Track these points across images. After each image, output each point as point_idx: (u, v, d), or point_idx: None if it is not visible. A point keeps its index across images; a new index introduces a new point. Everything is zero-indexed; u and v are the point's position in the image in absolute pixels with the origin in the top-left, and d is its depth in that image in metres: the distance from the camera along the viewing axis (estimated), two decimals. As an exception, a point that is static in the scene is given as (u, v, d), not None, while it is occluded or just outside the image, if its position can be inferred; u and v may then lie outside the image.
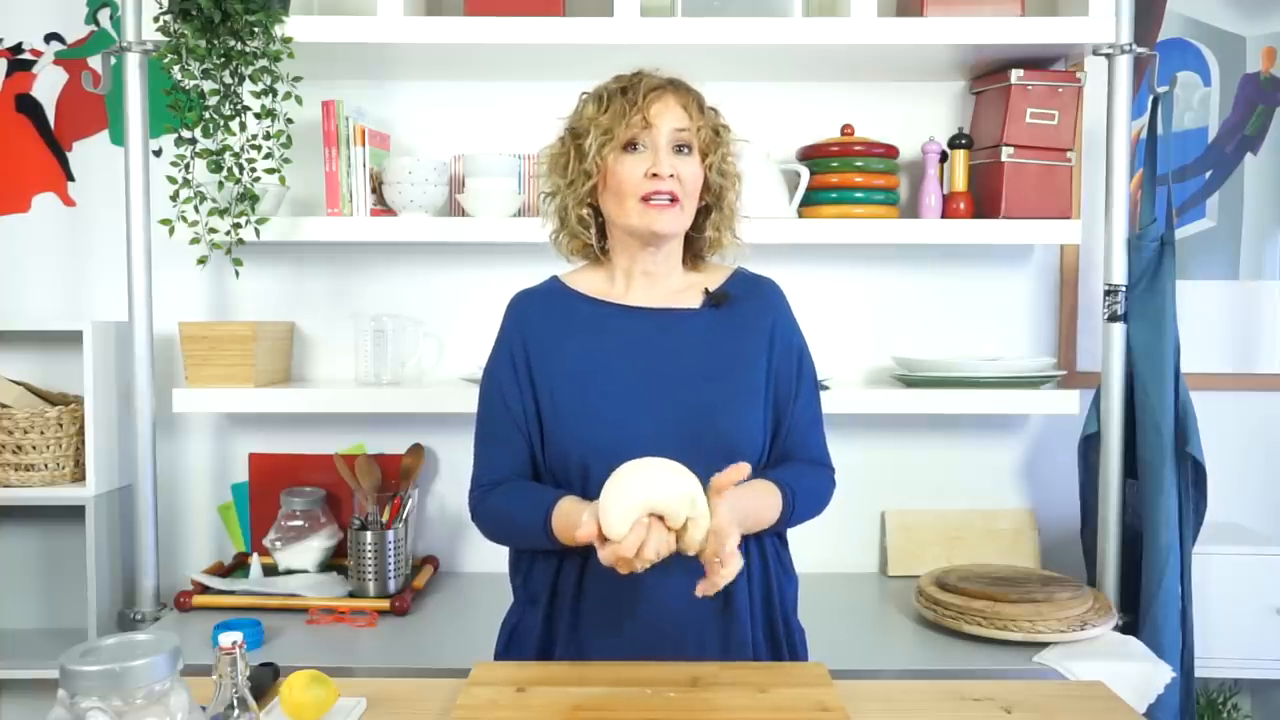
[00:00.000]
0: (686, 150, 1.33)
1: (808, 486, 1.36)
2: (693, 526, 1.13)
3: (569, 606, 1.33)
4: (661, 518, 1.13)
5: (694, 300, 1.39)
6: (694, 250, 1.43)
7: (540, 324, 1.38)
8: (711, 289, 1.39)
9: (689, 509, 1.13)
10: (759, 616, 1.35)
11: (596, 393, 1.32)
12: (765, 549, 1.36)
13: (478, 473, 1.39)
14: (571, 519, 1.20)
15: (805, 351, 1.43)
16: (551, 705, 1.15)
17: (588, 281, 1.41)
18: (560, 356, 1.35)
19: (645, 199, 1.30)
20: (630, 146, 1.32)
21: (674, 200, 1.31)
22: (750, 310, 1.39)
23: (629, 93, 1.32)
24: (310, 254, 2.23)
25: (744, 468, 1.16)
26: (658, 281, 1.39)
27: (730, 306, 1.38)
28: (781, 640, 1.37)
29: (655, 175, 1.30)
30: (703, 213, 1.39)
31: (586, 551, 1.29)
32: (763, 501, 1.29)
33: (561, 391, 1.33)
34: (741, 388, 1.34)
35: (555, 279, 1.44)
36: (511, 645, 1.41)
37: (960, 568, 2.00)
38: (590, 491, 1.28)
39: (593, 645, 1.32)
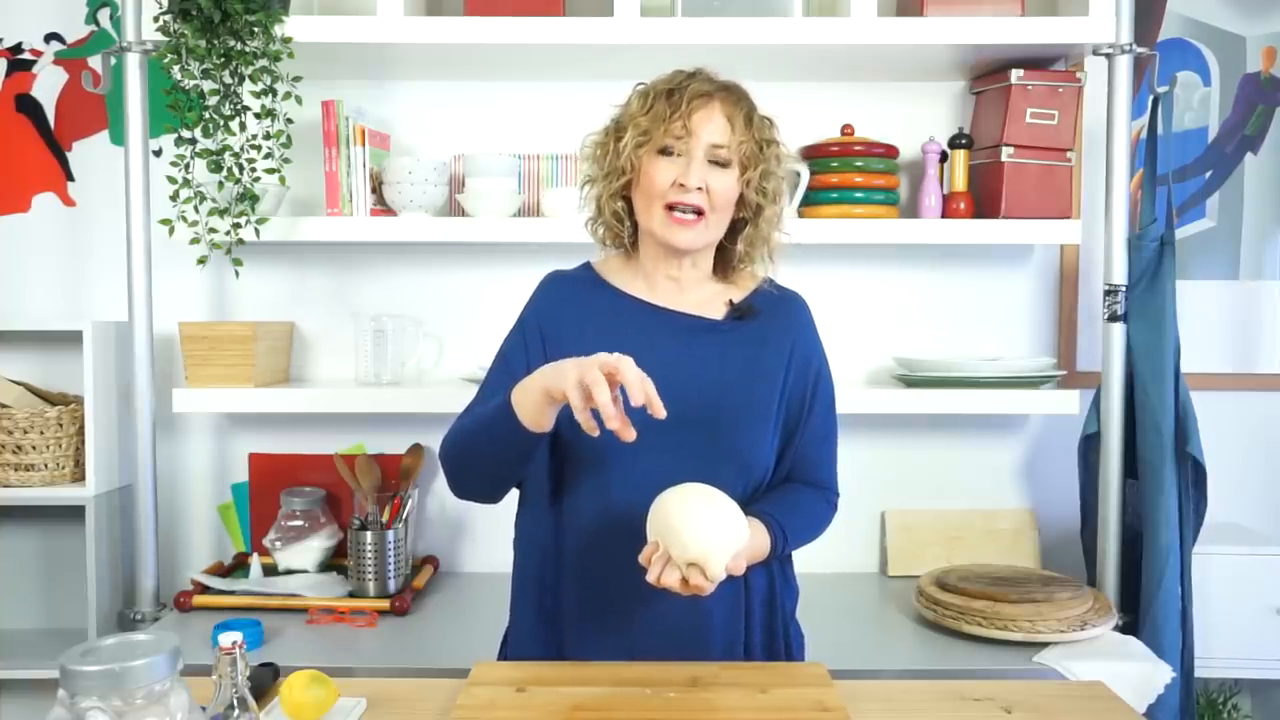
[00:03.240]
0: (724, 165, 1.30)
1: (801, 520, 1.35)
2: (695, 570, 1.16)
3: (568, 608, 1.33)
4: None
5: (718, 311, 1.37)
6: (724, 260, 1.40)
7: (567, 308, 1.37)
8: (736, 300, 1.38)
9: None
10: (758, 623, 1.35)
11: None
12: (769, 568, 1.36)
13: (461, 413, 1.35)
14: (528, 387, 1.18)
15: (824, 371, 1.41)
16: (551, 705, 1.15)
17: (619, 274, 1.40)
18: (580, 344, 1.33)
19: (669, 208, 1.29)
20: (665, 151, 1.30)
21: (699, 215, 1.29)
22: (773, 325, 1.37)
23: (674, 95, 1.29)
24: (310, 254, 2.23)
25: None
26: (684, 288, 1.37)
27: (753, 320, 1.37)
28: (780, 644, 1.37)
29: (683, 186, 1.28)
30: (740, 225, 1.37)
31: (587, 547, 1.30)
32: (751, 544, 1.26)
33: None
34: (753, 403, 1.33)
35: (589, 266, 1.44)
36: (511, 648, 1.41)
37: (960, 568, 2.00)
38: (587, 479, 1.29)
39: (591, 647, 1.32)
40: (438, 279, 2.25)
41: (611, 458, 1.28)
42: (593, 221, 1.41)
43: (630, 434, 1.13)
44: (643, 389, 1.11)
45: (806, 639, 1.44)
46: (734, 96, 1.33)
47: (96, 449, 2.05)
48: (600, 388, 1.10)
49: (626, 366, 1.11)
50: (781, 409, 1.36)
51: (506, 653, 1.42)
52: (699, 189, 1.28)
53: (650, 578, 1.16)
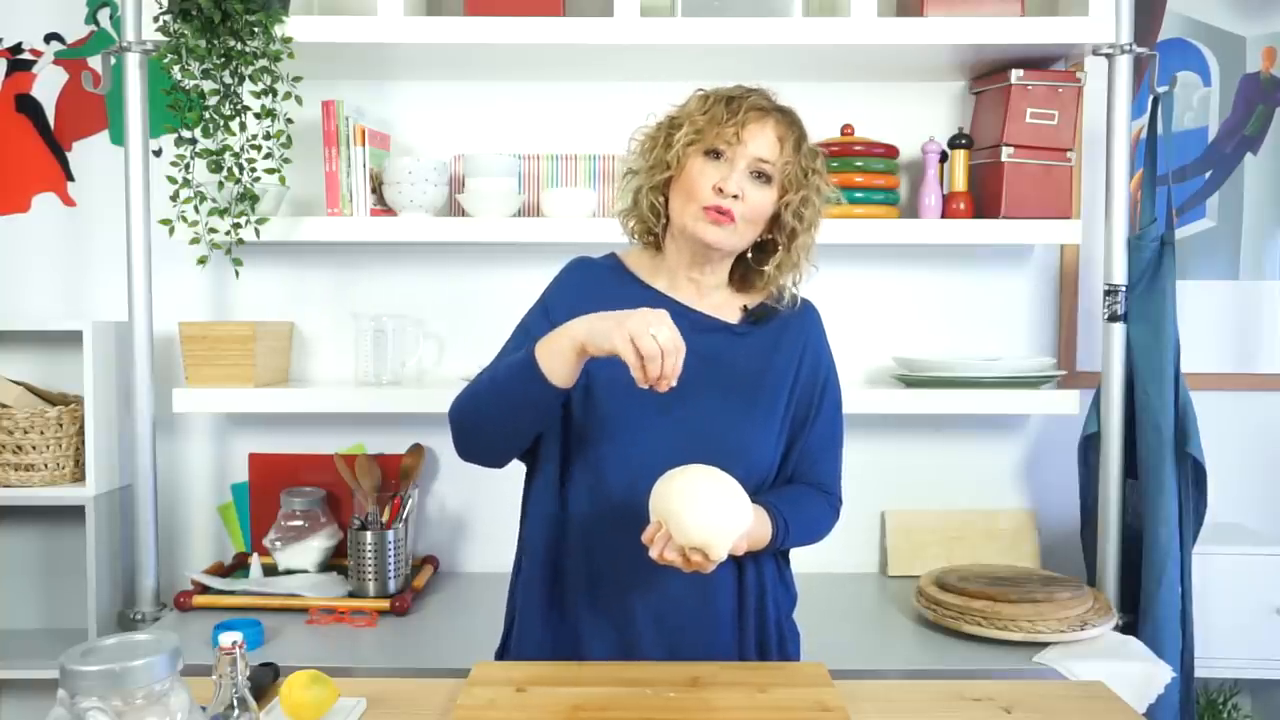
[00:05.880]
0: (764, 179, 1.32)
1: (804, 517, 1.36)
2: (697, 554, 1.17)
3: (562, 604, 1.34)
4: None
5: (733, 315, 1.40)
6: (746, 274, 1.41)
7: (590, 294, 1.38)
8: (750, 306, 1.40)
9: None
10: (750, 624, 1.36)
11: (621, 374, 1.32)
12: (764, 565, 1.37)
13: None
14: (557, 340, 1.21)
15: (832, 378, 1.43)
16: (551, 705, 1.15)
17: (644, 269, 1.42)
18: None
19: (704, 208, 1.30)
20: (713, 154, 1.31)
21: (730, 219, 1.31)
22: (785, 331, 1.40)
23: (733, 103, 1.31)
24: (310, 254, 2.23)
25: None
26: (703, 291, 1.39)
27: (766, 325, 1.39)
28: (772, 646, 1.38)
29: (721, 190, 1.29)
30: (770, 248, 1.38)
31: (590, 531, 1.31)
32: (754, 530, 1.26)
33: (589, 364, 1.33)
34: (760, 406, 1.35)
35: (614, 256, 1.45)
36: (506, 645, 1.41)
37: (960, 568, 2.00)
38: (592, 466, 1.31)
39: (582, 644, 1.32)
40: (438, 279, 2.25)
41: (619, 447, 1.30)
42: (626, 213, 1.43)
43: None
44: (673, 366, 1.15)
45: (807, 639, 1.44)
46: (789, 119, 1.35)
47: (96, 449, 2.05)
48: (655, 363, 1.14)
49: (668, 342, 1.15)
50: (789, 411, 1.38)
51: (510, 641, 1.42)
52: (735, 196, 1.30)
53: (653, 554, 1.17)
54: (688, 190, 1.32)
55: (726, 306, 1.40)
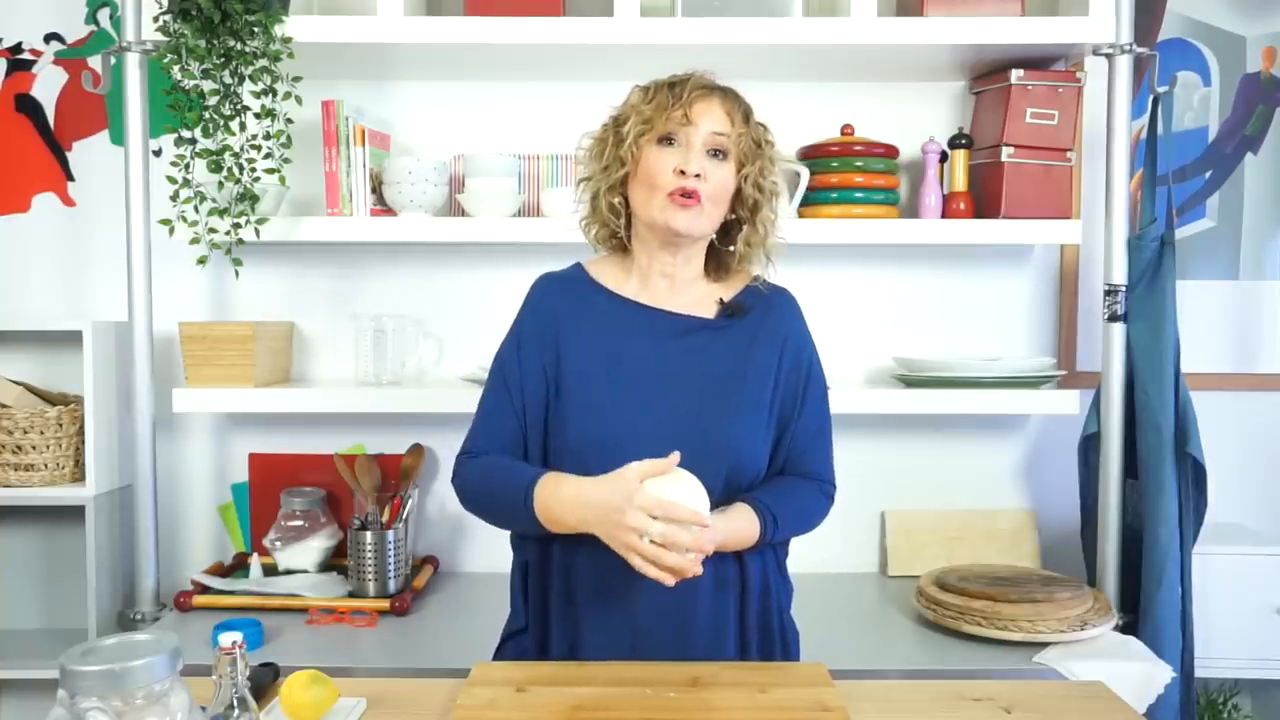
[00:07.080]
0: (721, 155, 1.33)
1: (794, 507, 1.36)
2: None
3: (566, 602, 1.34)
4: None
5: (709, 310, 1.39)
6: (720, 261, 1.41)
7: (562, 309, 1.38)
8: (727, 299, 1.40)
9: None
10: (753, 619, 1.36)
11: (601, 388, 1.32)
12: (765, 558, 1.37)
13: (468, 439, 1.39)
14: (562, 513, 1.24)
15: (815, 366, 1.42)
16: (551, 705, 1.15)
17: (610, 274, 1.42)
18: (573, 346, 1.35)
19: (669, 195, 1.31)
20: (666, 140, 1.32)
21: (696, 200, 1.31)
22: (764, 322, 1.39)
23: (676, 88, 1.33)
24: (310, 254, 2.23)
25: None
26: (676, 286, 1.39)
27: (744, 317, 1.38)
28: (775, 640, 1.38)
29: (683, 172, 1.30)
30: (735, 226, 1.39)
31: (575, 542, 1.30)
32: (735, 526, 1.28)
33: (568, 380, 1.33)
34: (746, 400, 1.35)
35: (579, 267, 1.45)
36: (509, 645, 1.41)
37: (960, 568, 2.00)
38: (586, 473, 1.30)
39: (587, 641, 1.32)
40: (438, 279, 2.25)
41: (605, 455, 1.29)
42: (587, 220, 1.43)
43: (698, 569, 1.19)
44: (685, 546, 1.17)
45: (807, 639, 1.44)
46: (733, 95, 1.36)
47: (96, 449, 2.05)
48: (668, 558, 1.16)
49: (663, 536, 1.16)
50: (775, 404, 1.37)
51: (510, 640, 1.42)
52: (698, 176, 1.30)
53: (656, 569, 1.18)
54: (649, 181, 1.32)
55: (704, 301, 1.39)
